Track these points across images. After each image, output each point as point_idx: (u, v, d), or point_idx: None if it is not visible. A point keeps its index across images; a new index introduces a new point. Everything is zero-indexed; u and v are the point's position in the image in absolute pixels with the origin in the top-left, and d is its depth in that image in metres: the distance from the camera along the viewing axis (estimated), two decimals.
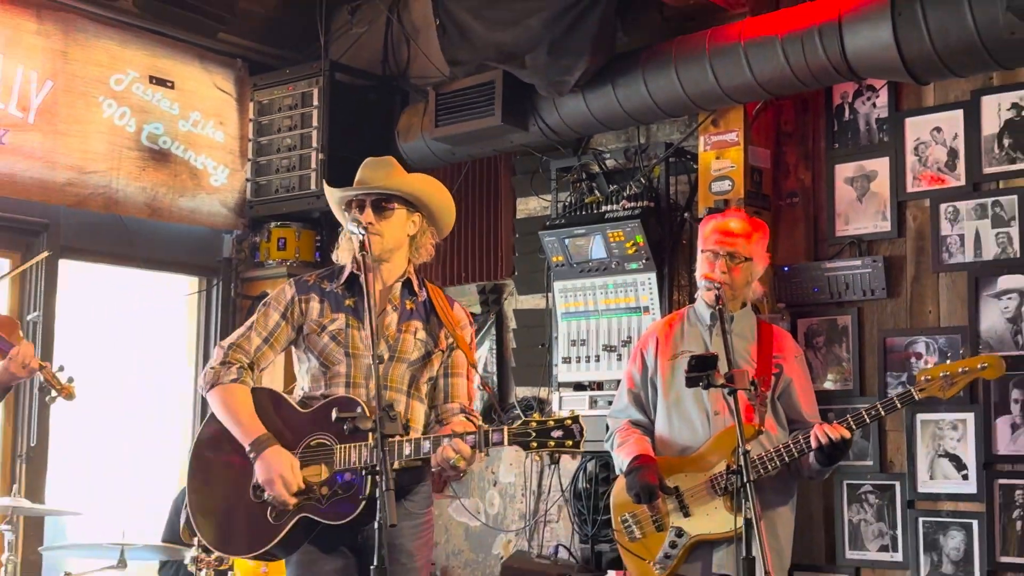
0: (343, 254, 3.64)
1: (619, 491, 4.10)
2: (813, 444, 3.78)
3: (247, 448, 3.39)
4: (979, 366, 3.82)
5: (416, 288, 3.64)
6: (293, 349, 3.63)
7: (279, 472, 3.32)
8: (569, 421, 3.24)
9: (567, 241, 5.43)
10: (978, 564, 4.52)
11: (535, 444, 3.25)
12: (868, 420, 3.87)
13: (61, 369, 3.75)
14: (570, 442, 3.22)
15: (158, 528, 5.59)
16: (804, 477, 4.12)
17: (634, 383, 4.18)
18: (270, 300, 3.60)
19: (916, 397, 3.83)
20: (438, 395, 3.68)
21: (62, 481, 5.91)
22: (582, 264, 5.43)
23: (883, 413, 3.88)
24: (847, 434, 3.77)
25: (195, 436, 3.59)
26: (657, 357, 4.13)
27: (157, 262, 6.50)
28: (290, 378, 4.29)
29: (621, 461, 4.01)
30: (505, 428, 3.29)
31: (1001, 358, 3.85)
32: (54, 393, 3.73)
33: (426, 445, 3.33)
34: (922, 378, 3.84)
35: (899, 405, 3.86)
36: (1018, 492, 4.47)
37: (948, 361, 4.10)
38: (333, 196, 3.67)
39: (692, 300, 4.54)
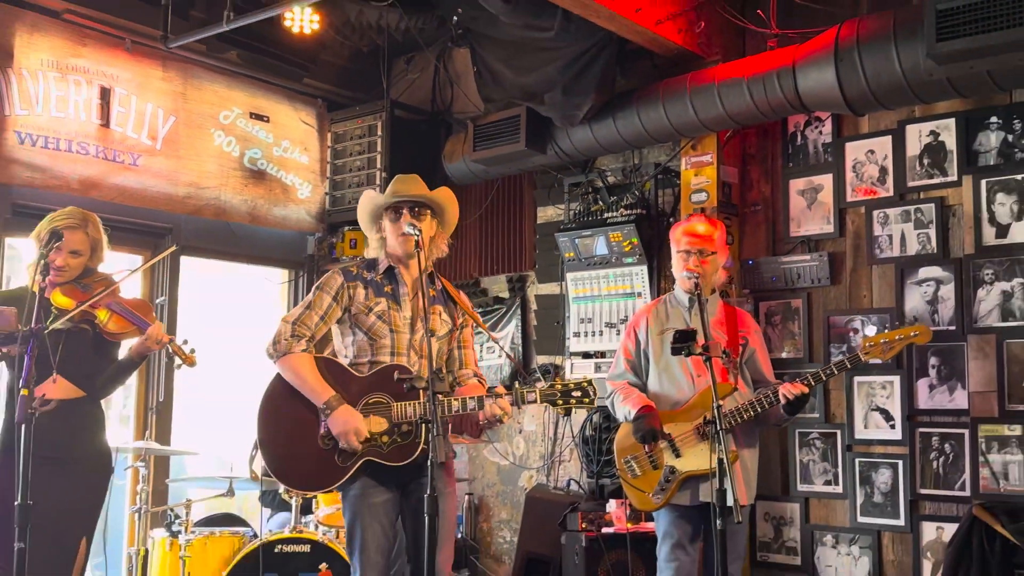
0: (372, 251, 3.61)
1: (621, 438, 4.08)
2: (780, 400, 3.76)
3: (321, 407, 3.34)
4: (912, 333, 3.80)
5: (434, 279, 3.61)
6: (336, 326, 3.55)
7: (353, 426, 3.30)
8: (585, 383, 3.41)
9: (577, 241, 5.42)
10: (902, 495, 4.49)
11: (560, 402, 3.40)
12: (824, 378, 3.86)
13: (185, 342, 3.73)
14: (587, 399, 3.40)
15: (258, 464, 5.61)
16: (770, 425, 4.12)
17: (630, 354, 4.15)
18: (323, 285, 3.51)
19: (862, 359, 3.82)
20: (453, 363, 3.66)
21: (184, 428, 5.93)
22: (589, 259, 5.41)
23: (836, 372, 3.88)
24: (806, 389, 3.76)
25: (262, 397, 3.45)
26: (648, 333, 4.11)
27: (256, 258, 6.50)
28: None
29: (627, 411, 3.97)
30: (537, 390, 3.38)
31: (928, 328, 3.83)
32: (179, 361, 3.70)
33: (471, 403, 3.35)
34: (866, 344, 3.81)
35: (848, 366, 3.84)
36: (934, 438, 4.43)
37: (886, 330, 4.07)
38: (374, 200, 3.57)
39: (671, 289, 4.53)
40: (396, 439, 3.37)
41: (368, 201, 3.60)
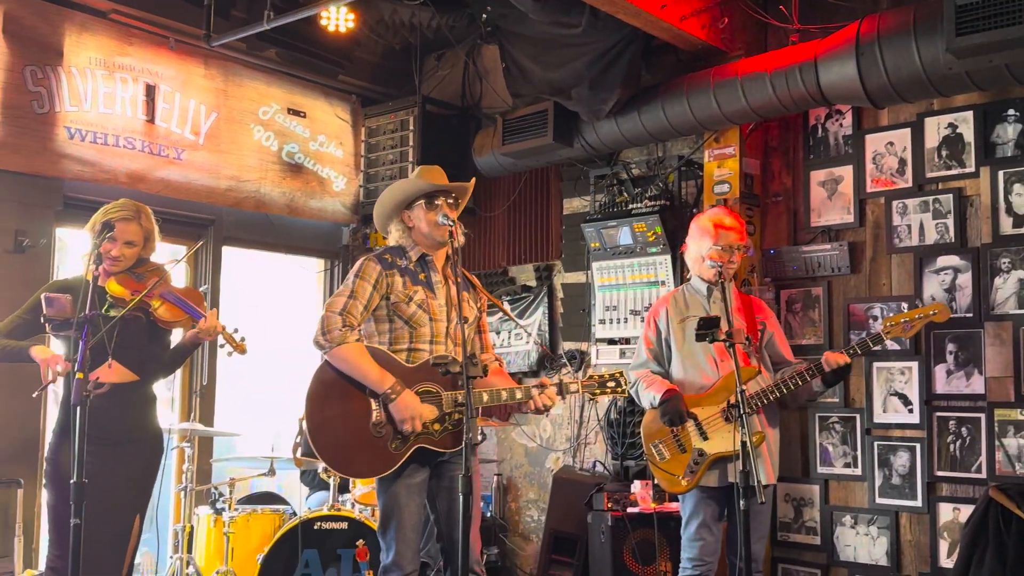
0: (394, 239, 3.57)
1: (648, 424, 4.04)
2: (825, 367, 3.77)
3: (386, 392, 3.27)
4: (931, 312, 3.78)
5: (456, 267, 3.51)
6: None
7: (418, 411, 3.30)
8: (618, 375, 3.57)
9: (602, 231, 5.41)
10: (920, 477, 4.46)
11: (597, 391, 3.55)
12: (860, 352, 3.85)
13: (236, 331, 3.71)
14: (620, 389, 3.56)
15: (301, 451, 5.65)
16: (799, 404, 4.12)
17: (651, 343, 4.11)
18: (362, 273, 3.41)
19: (884, 339, 3.82)
20: (475, 347, 3.62)
21: (226, 410, 5.99)
22: (614, 248, 5.40)
23: (859, 352, 3.85)
24: (849, 360, 3.78)
25: (310, 387, 3.37)
26: (668, 322, 4.07)
27: (294, 248, 6.54)
28: None
29: (653, 397, 3.94)
30: (580, 382, 3.52)
31: (947, 306, 3.80)
32: (230, 349, 3.68)
33: (520, 394, 3.42)
34: (887, 324, 3.80)
35: (871, 345, 3.83)
36: (951, 422, 4.40)
37: (905, 310, 4.05)
38: (414, 187, 3.50)
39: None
40: (448, 427, 3.37)
41: (405, 188, 3.53)
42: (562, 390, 3.45)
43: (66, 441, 3.41)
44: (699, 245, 4.05)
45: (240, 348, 3.67)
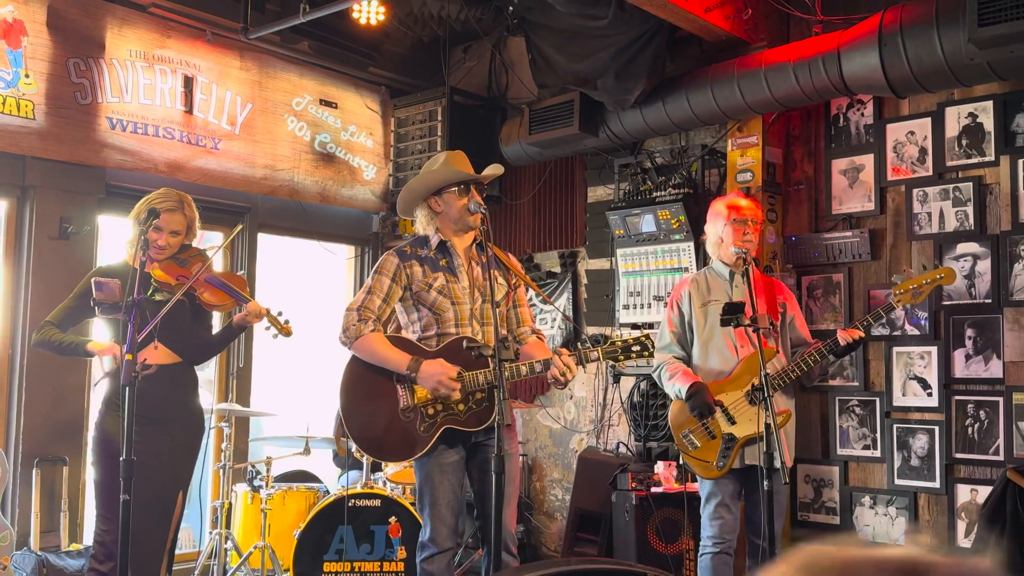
0: (421, 226, 3.55)
1: (675, 414, 4.00)
2: (841, 343, 3.79)
3: (405, 370, 3.30)
4: (938, 276, 3.77)
5: (484, 247, 3.51)
6: (399, 304, 3.51)
7: (444, 373, 3.28)
8: (643, 338, 3.39)
9: (626, 219, 5.40)
10: (938, 459, 4.45)
11: (622, 357, 3.38)
12: (873, 322, 3.90)
13: (280, 314, 3.74)
14: (646, 352, 3.38)
15: (331, 425, 5.69)
16: (812, 382, 4.11)
17: (674, 326, 4.10)
18: (380, 268, 3.45)
19: (895, 307, 3.83)
20: (511, 322, 3.59)
21: (263, 391, 6.04)
22: (638, 236, 5.39)
23: (872, 322, 3.90)
24: (862, 334, 3.82)
25: (342, 380, 3.44)
26: (691, 305, 4.06)
27: (326, 235, 6.56)
28: None
29: (678, 389, 3.91)
30: (600, 349, 3.38)
31: (952, 269, 3.78)
32: (275, 332, 3.71)
33: (538, 366, 3.34)
34: (897, 291, 3.78)
35: (883, 315, 3.86)
36: (969, 405, 4.38)
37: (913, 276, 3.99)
38: (453, 175, 3.47)
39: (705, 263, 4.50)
40: (472, 406, 3.37)
41: (439, 176, 3.49)
42: (582, 359, 3.34)
43: (111, 414, 3.46)
44: (715, 227, 4.05)
45: (285, 330, 3.70)
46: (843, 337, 3.78)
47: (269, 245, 6.27)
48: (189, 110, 5.52)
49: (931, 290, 3.78)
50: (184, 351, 3.59)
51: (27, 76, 4.86)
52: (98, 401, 3.66)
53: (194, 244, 3.84)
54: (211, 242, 5.83)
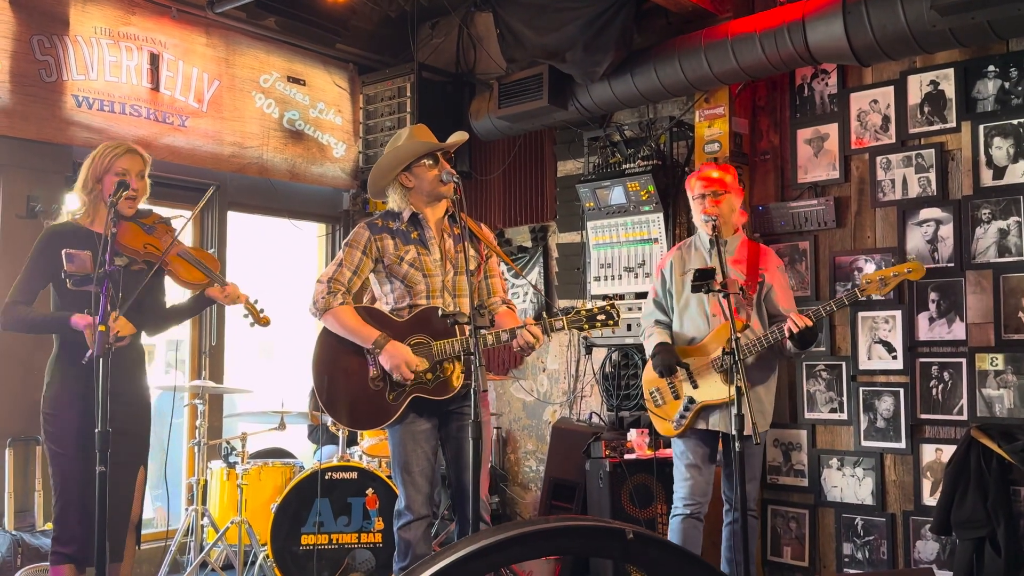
0: (394, 201, 3.51)
1: (648, 372, 4.09)
2: (786, 333, 3.73)
3: (370, 347, 3.31)
4: (906, 270, 3.74)
5: (456, 218, 3.49)
6: (372, 276, 3.51)
7: (403, 358, 3.29)
8: (608, 306, 3.34)
9: (596, 191, 5.38)
10: (903, 420, 4.50)
11: (587, 325, 3.33)
12: (824, 314, 3.79)
13: (256, 302, 3.66)
14: (611, 321, 3.33)
15: (306, 400, 5.66)
16: (787, 357, 4.11)
17: (657, 294, 4.15)
18: (351, 241, 3.45)
19: (860, 296, 3.74)
20: (482, 293, 3.59)
21: (236, 368, 5.98)
22: (607, 208, 5.38)
23: (835, 308, 3.81)
24: (810, 322, 3.70)
25: (314, 350, 3.44)
26: (672, 273, 4.09)
27: (296, 212, 6.49)
28: None
29: (649, 348, 4.02)
30: (564, 318, 3.33)
31: (922, 264, 3.78)
32: (252, 320, 3.63)
33: (504, 335, 3.32)
34: (864, 281, 3.76)
35: (847, 303, 3.77)
36: (933, 368, 4.43)
37: (883, 267, 4.03)
38: (422, 147, 3.45)
39: (690, 234, 4.50)
40: (439, 375, 3.37)
41: (408, 148, 3.46)
42: (546, 328, 3.31)
43: (68, 394, 3.31)
44: (692, 202, 4.07)
45: (263, 321, 3.61)
46: (790, 326, 3.69)
47: (239, 223, 6.19)
48: (156, 87, 5.42)
49: (897, 283, 3.76)
50: (141, 321, 3.42)
51: None
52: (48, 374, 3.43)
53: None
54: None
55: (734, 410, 3.39)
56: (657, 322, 4.11)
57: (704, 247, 4.08)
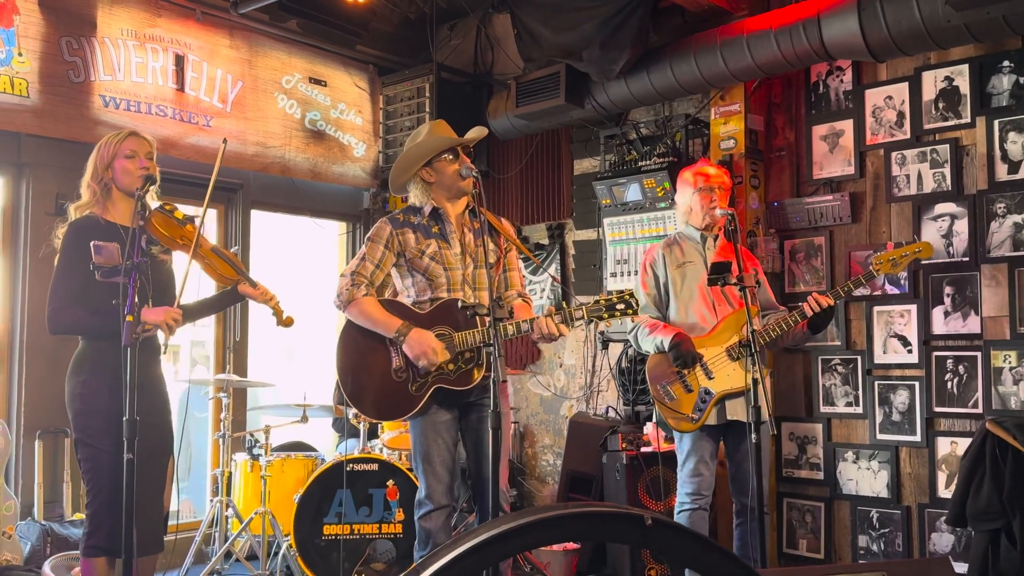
0: (414, 196, 3.52)
1: (652, 366, 3.99)
2: (807, 312, 3.71)
3: (393, 336, 3.31)
4: (916, 249, 3.73)
5: (476, 212, 3.48)
6: (394, 270, 3.51)
7: (429, 345, 3.29)
8: (627, 295, 3.28)
9: (612, 188, 5.39)
10: (919, 413, 4.48)
11: (606, 315, 3.26)
12: (843, 294, 3.80)
13: (280, 303, 3.61)
14: (631, 310, 3.26)
15: (329, 393, 5.69)
16: (785, 346, 4.05)
17: (648, 288, 4.05)
18: (373, 236, 3.45)
19: (874, 274, 3.76)
20: (500, 286, 3.57)
21: (260, 362, 6.02)
22: (624, 205, 5.39)
23: (852, 288, 3.80)
24: (832, 301, 3.72)
25: (338, 342, 3.43)
26: (666, 268, 4.02)
27: (318, 211, 6.52)
28: None
29: (660, 341, 3.90)
30: (584, 307, 3.29)
31: (930, 243, 3.76)
32: (276, 320, 3.61)
33: (524, 325, 3.29)
34: (876, 261, 3.76)
35: (863, 281, 3.77)
36: (948, 361, 4.42)
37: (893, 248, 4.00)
38: (439, 142, 3.45)
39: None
40: (461, 366, 3.36)
41: (429, 144, 3.47)
42: (567, 317, 3.28)
43: (96, 382, 3.31)
44: (684, 196, 4.06)
45: (286, 322, 3.59)
46: (812, 302, 3.70)
47: (262, 221, 6.23)
48: (181, 88, 5.47)
49: (908, 263, 3.76)
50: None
51: (20, 55, 4.80)
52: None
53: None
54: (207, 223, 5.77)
55: (753, 400, 3.39)
56: (652, 318, 4.03)
57: (696, 241, 4.03)
